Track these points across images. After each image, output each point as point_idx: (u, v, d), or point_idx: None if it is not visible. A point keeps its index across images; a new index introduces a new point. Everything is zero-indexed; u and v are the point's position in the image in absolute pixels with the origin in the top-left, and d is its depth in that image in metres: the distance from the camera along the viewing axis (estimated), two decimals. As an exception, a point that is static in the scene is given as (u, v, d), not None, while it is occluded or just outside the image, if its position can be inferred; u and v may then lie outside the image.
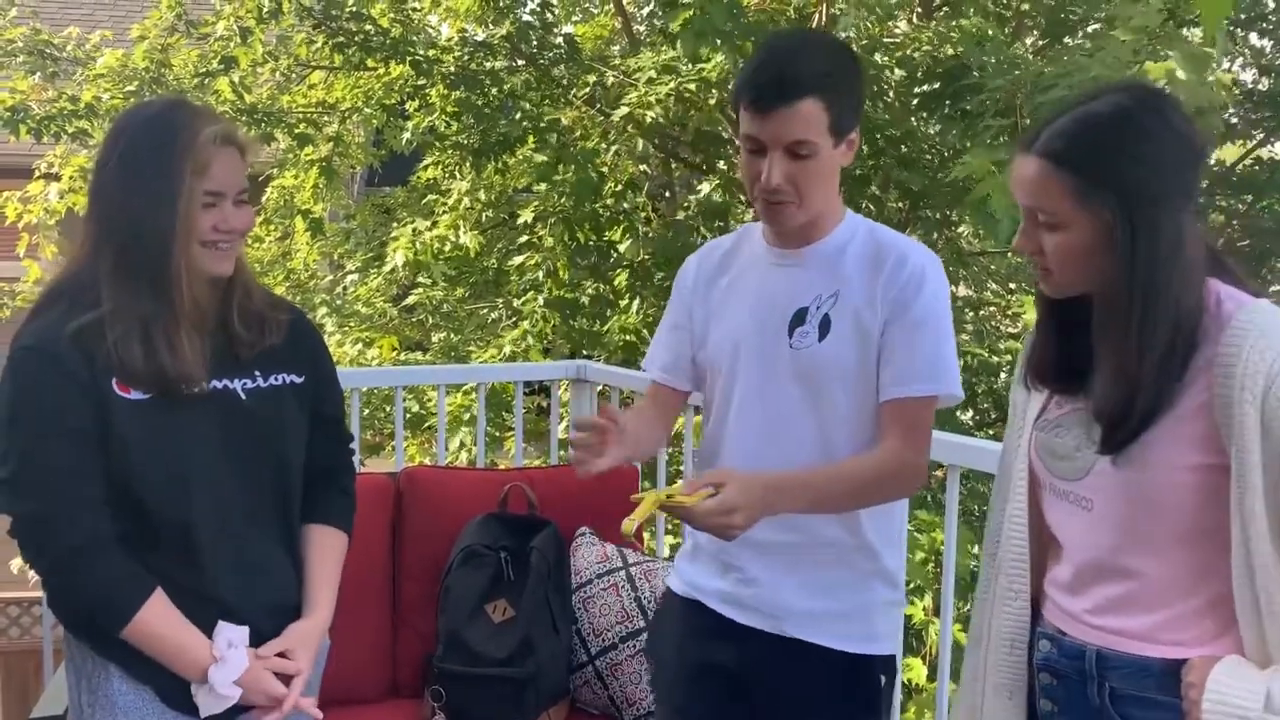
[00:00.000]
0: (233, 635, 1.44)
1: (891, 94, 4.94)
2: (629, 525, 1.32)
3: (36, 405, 1.38)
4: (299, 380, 1.56)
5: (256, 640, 1.47)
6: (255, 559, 1.49)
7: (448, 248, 5.18)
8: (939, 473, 2.08)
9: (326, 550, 1.58)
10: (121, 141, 1.43)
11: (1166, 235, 1.15)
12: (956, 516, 2.06)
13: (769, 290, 1.58)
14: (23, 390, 1.39)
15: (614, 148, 4.92)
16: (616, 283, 5.47)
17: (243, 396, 1.49)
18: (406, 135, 5.70)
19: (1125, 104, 1.19)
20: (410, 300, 5.71)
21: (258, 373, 1.51)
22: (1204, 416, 1.15)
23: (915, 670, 3.71)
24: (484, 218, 5.56)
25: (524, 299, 5.23)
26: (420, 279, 5.63)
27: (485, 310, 5.82)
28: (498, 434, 4.91)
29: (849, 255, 1.54)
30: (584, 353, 5.22)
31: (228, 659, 1.41)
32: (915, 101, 4.80)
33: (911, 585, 3.85)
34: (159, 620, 1.40)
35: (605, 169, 5.26)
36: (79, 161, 5.93)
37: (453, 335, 5.56)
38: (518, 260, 5.21)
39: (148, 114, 1.47)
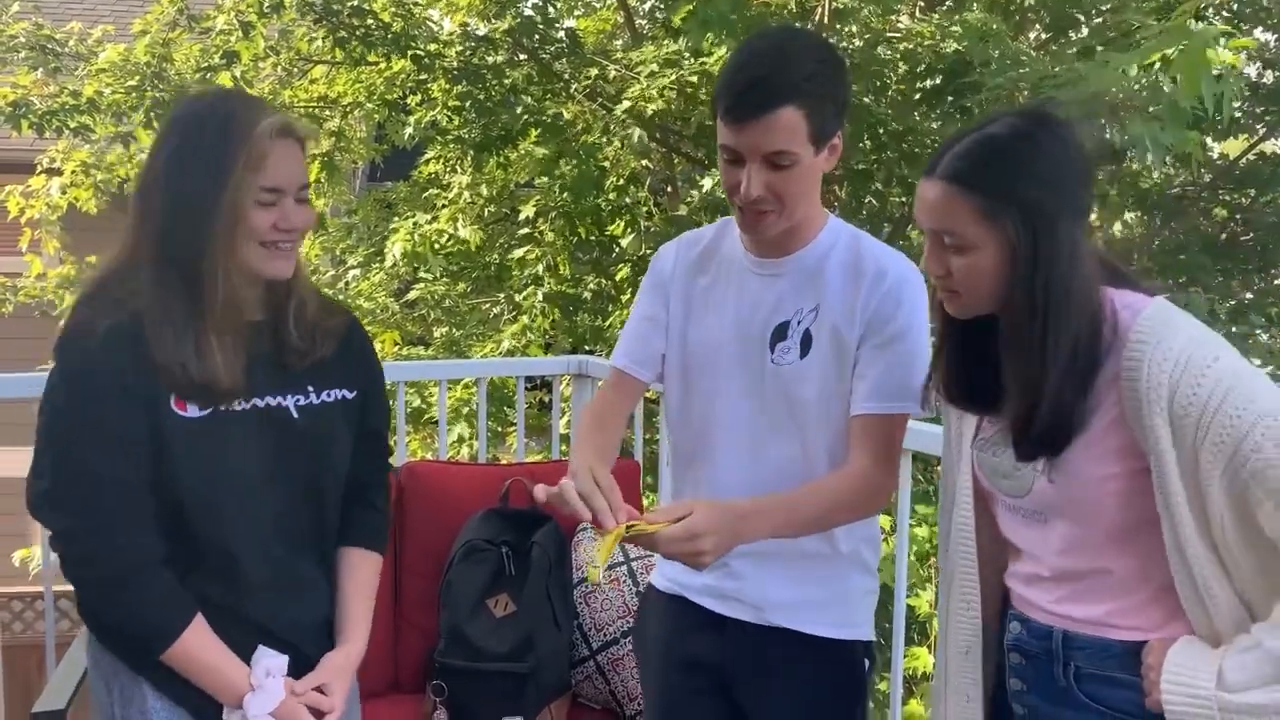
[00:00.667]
0: (271, 664, 1.40)
1: (894, 89, 4.93)
2: (595, 574, 1.31)
3: (81, 411, 1.30)
4: (350, 396, 1.49)
5: (293, 661, 1.43)
6: (293, 579, 1.45)
7: (447, 241, 5.16)
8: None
9: (361, 576, 1.54)
10: (174, 132, 1.35)
11: (1064, 250, 1.19)
12: (909, 500, 2.12)
13: (749, 300, 1.56)
14: (67, 394, 1.31)
15: (615, 142, 4.90)
16: (618, 278, 5.46)
17: (295, 415, 1.42)
18: (409, 130, 5.69)
19: (1022, 125, 1.23)
20: (412, 295, 5.71)
21: (311, 388, 1.44)
22: (1119, 429, 1.19)
23: (922, 659, 3.72)
24: (485, 212, 5.55)
25: (525, 294, 5.22)
26: (422, 274, 5.63)
27: (487, 305, 5.81)
28: (499, 429, 4.91)
29: (829, 267, 1.52)
30: (586, 348, 5.22)
31: (265, 688, 1.38)
32: (918, 96, 4.79)
33: (913, 579, 3.86)
34: (199, 645, 1.36)
35: (607, 163, 5.24)
36: (80, 156, 5.93)
37: (454, 330, 5.56)
38: (518, 254, 5.20)
39: (202, 104, 1.38)
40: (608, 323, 5.23)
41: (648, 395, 1.70)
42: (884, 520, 3.78)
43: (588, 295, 5.43)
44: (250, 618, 1.40)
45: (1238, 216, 6.37)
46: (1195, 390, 1.13)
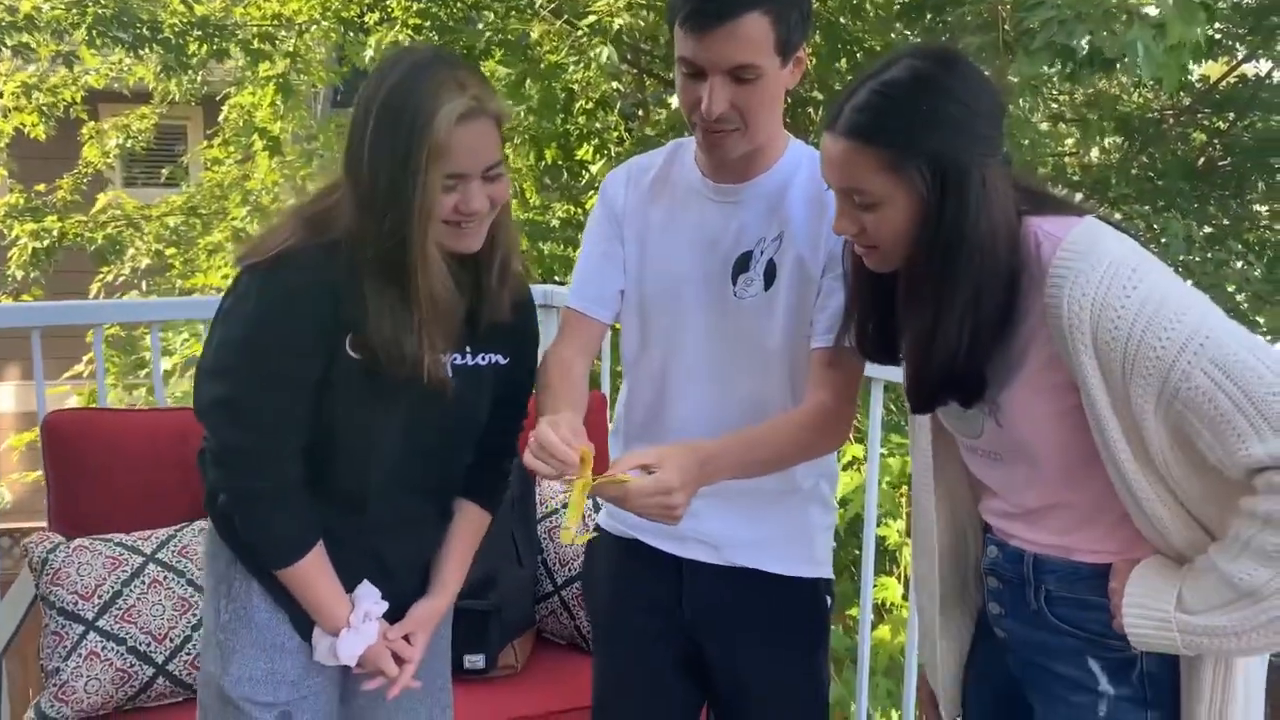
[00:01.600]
0: (371, 608, 1.46)
1: (870, 5, 4.76)
2: (569, 535, 1.26)
3: (275, 339, 1.35)
4: (504, 361, 1.50)
5: (392, 594, 1.49)
6: (412, 518, 1.51)
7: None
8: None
9: (470, 529, 1.58)
10: (373, 109, 1.32)
11: (973, 193, 1.14)
12: (880, 429, 2.12)
13: (709, 230, 1.48)
14: (266, 317, 1.35)
15: (582, 62, 4.72)
16: (588, 205, 5.31)
17: (449, 374, 1.43)
18: (369, 52, 5.46)
19: (922, 68, 1.17)
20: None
21: (469, 348, 1.46)
22: (1056, 366, 1.16)
23: (890, 590, 3.73)
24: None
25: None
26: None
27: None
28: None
29: (792, 193, 1.45)
30: (555, 278, 5.10)
31: (360, 631, 1.44)
32: (896, 9, 4.62)
33: (884, 509, 3.84)
34: (313, 573, 1.43)
35: (575, 86, 5.06)
36: (22, 78, 5.67)
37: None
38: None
39: (393, 80, 1.32)
40: (578, 251, 5.09)
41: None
42: (857, 449, 3.75)
43: (556, 223, 5.28)
44: (368, 550, 1.47)
45: (1215, 141, 6.30)
46: (1116, 324, 1.09)
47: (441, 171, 1.30)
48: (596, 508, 1.74)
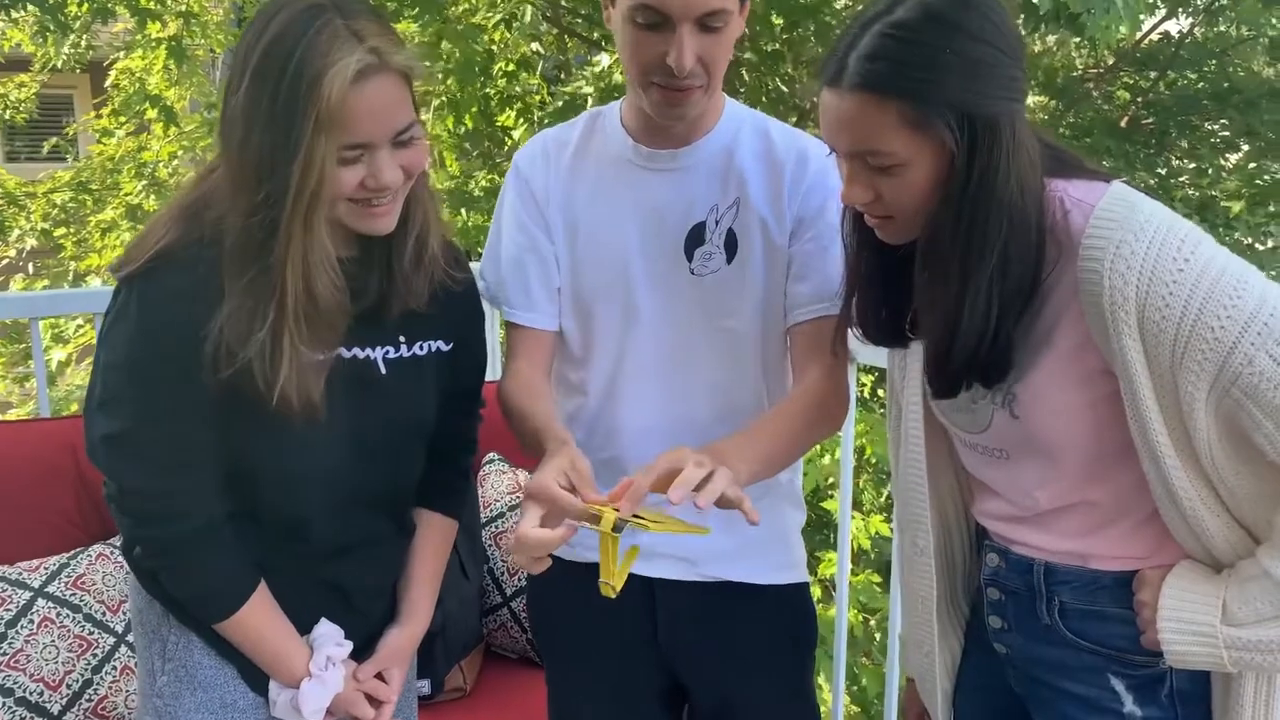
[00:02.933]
0: (333, 650, 1.29)
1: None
2: (609, 590, 1.09)
3: (161, 357, 1.14)
4: (445, 348, 1.33)
5: (356, 628, 1.32)
6: (368, 538, 1.32)
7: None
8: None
9: (436, 541, 1.42)
10: (248, 68, 1.10)
11: (1004, 146, 1.02)
12: (854, 409, 1.96)
13: (651, 202, 1.32)
14: (149, 333, 1.15)
15: (502, 15, 4.48)
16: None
17: (382, 370, 1.26)
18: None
19: (934, 5, 1.03)
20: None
21: (402, 339, 1.28)
22: (1088, 351, 1.04)
23: (833, 565, 3.67)
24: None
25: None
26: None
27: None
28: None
29: (741, 155, 1.32)
30: (479, 250, 4.87)
31: (324, 679, 1.28)
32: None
33: (829, 481, 3.77)
34: (259, 621, 1.26)
35: (495, 47, 4.82)
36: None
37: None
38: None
39: (274, 32, 1.10)
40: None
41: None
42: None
43: (479, 193, 5.04)
44: (316, 579, 1.30)
45: (1138, 100, 6.36)
46: (1169, 300, 0.97)
47: (337, 143, 1.10)
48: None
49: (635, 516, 1.06)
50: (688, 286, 1.32)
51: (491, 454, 2.19)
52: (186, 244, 1.15)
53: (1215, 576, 1.05)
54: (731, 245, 1.31)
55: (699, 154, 1.32)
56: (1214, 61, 5.98)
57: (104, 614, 1.83)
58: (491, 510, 2.16)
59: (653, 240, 1.32)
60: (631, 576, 1.40)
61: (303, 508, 1.24)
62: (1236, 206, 5.68)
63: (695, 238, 1.31)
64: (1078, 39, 4.97)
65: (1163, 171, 6.02)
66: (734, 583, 1.39)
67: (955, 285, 1.04)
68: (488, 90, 4.82)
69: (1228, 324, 0.96)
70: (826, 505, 3.90)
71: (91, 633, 1.83)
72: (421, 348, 1.29)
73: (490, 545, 2.13)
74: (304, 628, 1.29)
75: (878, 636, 3.71)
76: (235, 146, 1.11)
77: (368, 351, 1.24)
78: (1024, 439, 1.12)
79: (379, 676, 1.34)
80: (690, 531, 1.11)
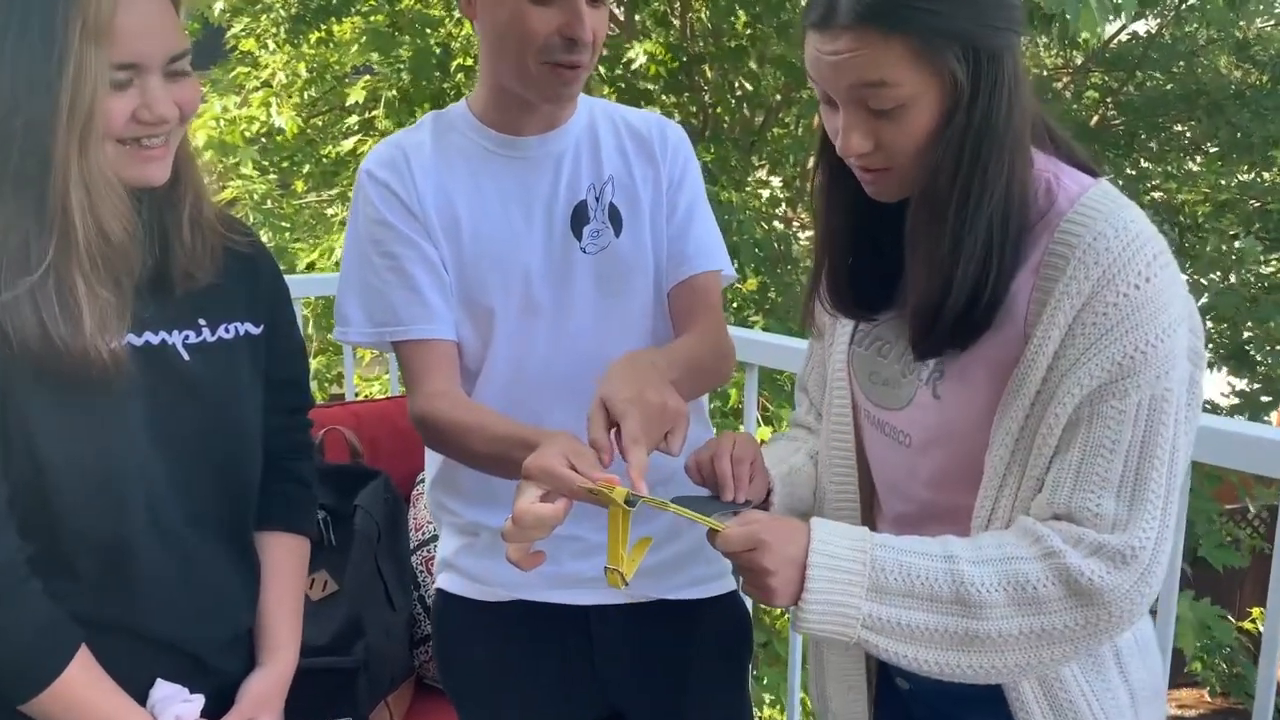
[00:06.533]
0: (181, 710, 1.11)
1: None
2: (616, 579, 0.98)
3: None
4: (256, 331, 1.20)
5: (210, 682, 1.15)
6: (202, 576, 1.15)
7: (258, 129, 4.52)
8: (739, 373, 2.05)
9: (288, 564, 1.26)
10: None
11: (1007, 82, 0.98)
12: (756, 417, 1.93)
13: (527, 191, 1.31)
14: None
15: (460, 17, 4.35)
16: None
17: (184, 356, 1.11)
18: (219, 3, 4.96)
19: None
20: (227, 194, 5.04)
21: (203, 321, 1.14)
22: (1018, 339, 1.00)
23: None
24: (306, 96, 4.90)
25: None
26: (243, 170, 4.96)
27: (320, 204, 5.22)
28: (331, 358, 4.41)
29: (604, 132, 1.35)
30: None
31: None
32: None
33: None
34: (83, 686, 1.06)
35: (451, 42, 4.68)
36: None
37: (285, 234, 4.95)
38: (348, 145, 4.60)
39: None
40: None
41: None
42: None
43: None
44: (148, 633, 1.12)
45: (1108, 100, 6.34)
46: (1108, 311, 0.96)
47: (108, 59, 0.98)
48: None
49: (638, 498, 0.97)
50: (582, 266, 1.31)
51: (424, 474, 2.06)
52: None
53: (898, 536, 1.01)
54: (616, 218, 1.33)
55: (568, 136, 1.33)
56: (1182, 63, 5.96)
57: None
58: (423, 533, 2.02)
59: (540, 225, 1.31)
60: (564, 608, 1.32)
61: (119, 524, 1.07)
62: (1202, 211, 5.68)
63: (580, 216, 1.31)
64: (1046, 40, 4.90)
65: (1132, 173, 6.00)
66: (668, 600, 1.36)
67: (947, 236, 0.99)
68: (444, 85, 4.69)
69: (1137, 357, 0.95)
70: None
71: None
72: (227, 330, 1.16)
73: (421, 571, 2.00)
74: (139, 694, 1.11)
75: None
76: None
77: (163, 335, 1.10)
78: (935, 425, 1.07)
79: None
80: (704, 523, 0.99)
